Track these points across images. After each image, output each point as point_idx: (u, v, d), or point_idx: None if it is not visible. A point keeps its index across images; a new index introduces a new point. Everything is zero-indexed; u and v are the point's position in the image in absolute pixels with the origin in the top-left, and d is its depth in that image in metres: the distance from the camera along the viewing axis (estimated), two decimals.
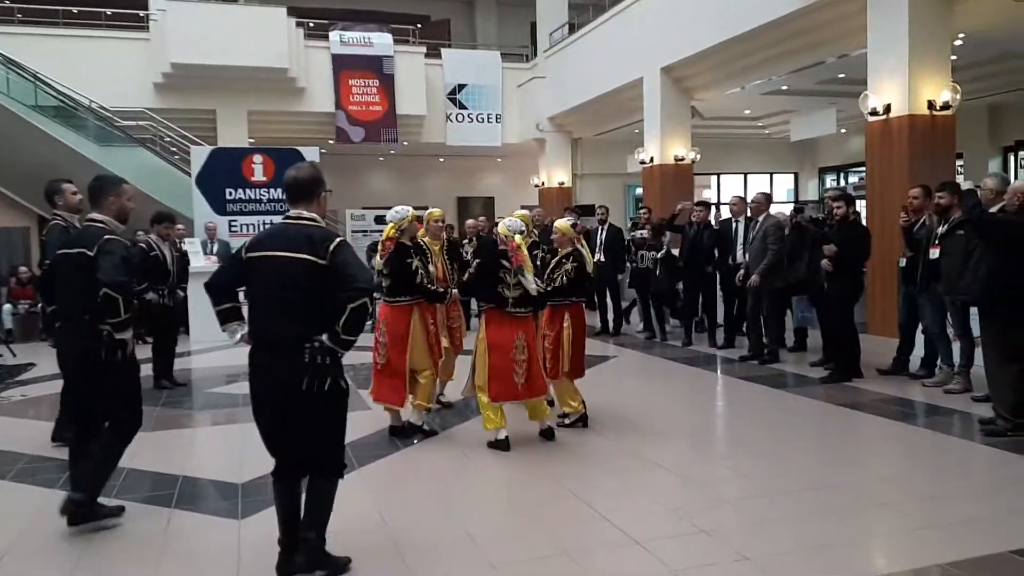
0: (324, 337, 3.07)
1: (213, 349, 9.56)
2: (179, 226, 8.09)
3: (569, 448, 5.18)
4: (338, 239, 3.15)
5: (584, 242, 5.62)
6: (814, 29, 10.67)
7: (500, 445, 5.07)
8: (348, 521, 3.65)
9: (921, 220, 6.71)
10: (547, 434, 5.29)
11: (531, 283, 4.94)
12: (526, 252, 4.99)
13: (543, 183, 19.08)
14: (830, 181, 20.47)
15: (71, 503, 3.83)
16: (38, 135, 12.34)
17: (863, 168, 18.97)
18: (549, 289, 5.28)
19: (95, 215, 4.05)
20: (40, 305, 5.59)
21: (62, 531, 3.87)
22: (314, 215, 3.23)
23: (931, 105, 8.75)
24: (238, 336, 3.36)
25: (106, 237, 3.90)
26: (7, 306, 11.39)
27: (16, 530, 3.92)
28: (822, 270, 7.02)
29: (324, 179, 3.32)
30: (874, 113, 9.09)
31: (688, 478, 4.49)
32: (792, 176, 21.45)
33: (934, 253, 6.13)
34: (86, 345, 3.88)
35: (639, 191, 19.40)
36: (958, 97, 8.77)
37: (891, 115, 8.95)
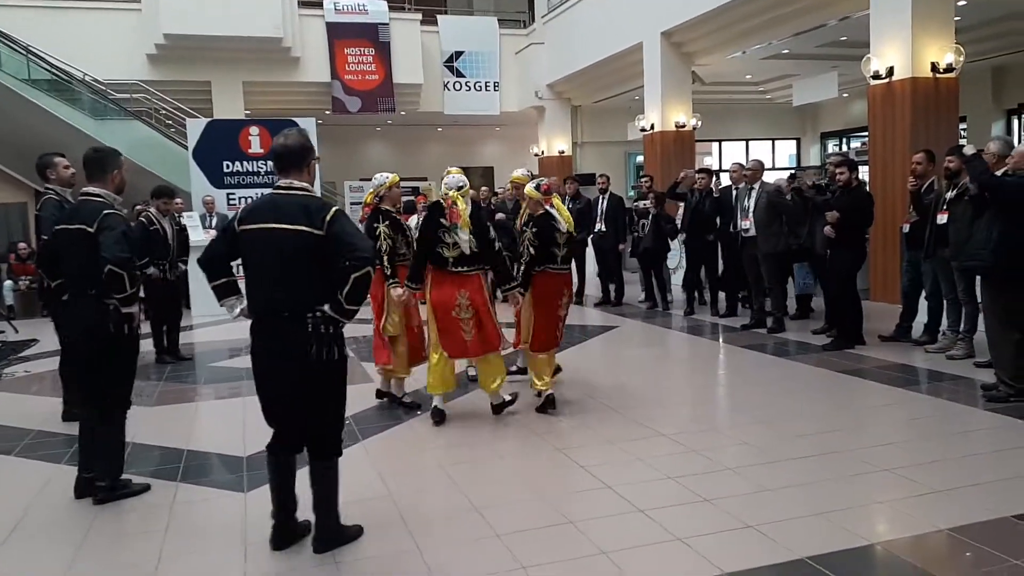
0: (326, 307, 3.06)
1: (215, 323, 9.59)
2: (178, 200, 8.04)
3: (570, 417, 5.20)
4: (334, 208, 3.12)
5: (555, 203, 5.35)
6: None
7: (434, 414, 5.12)
8: (353, 493, 3.66)
9: (928, 184, 6.67)
10: (547, 403, 5.26)
11: (464, 240, 4.88)
12: (462, 207, 4.86)
13: (543, 152, 18.95)
14: (832, 146, 20.34)
15: (98, 488, 3.90)
16: (32, 109, 12.21)
17: (865, 133, 18.91)
18: (521, 263, 5.31)
19: (92, 188, 4.00)
20: (42, 280, 5.55)
21: (69, 505, 3.92)
22: (305, 184, 3.18)
23: (934, 68, 8.66)
24: (237, 310, 3.35)
25: (105, 212, 3.87)
26: (8, 282, 11.37)
27: (24, 505, 3.94)
28: (824, 236, 7.01)
29: (313, 146, 3.27)
30: (876, 76, 8.99)
31: (690, 446, 4.50)
32: (794, 142, 21.30)
33: (942, 218, 6.09)
34: (93, 320, 3.89)
35: (640, 159, 19.30)
36: (962, 59, 8.67)
37: (893, 78, 8.85)
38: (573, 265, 10.05)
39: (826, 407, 5.33)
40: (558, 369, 5.88)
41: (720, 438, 4.71)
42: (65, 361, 5.41)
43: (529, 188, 5.33)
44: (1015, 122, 15.46)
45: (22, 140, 12.15)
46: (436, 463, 4.44)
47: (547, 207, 5.27)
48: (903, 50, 8.70)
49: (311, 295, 3.07)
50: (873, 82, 9.06)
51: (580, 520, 3.50)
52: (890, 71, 8.84)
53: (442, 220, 4.88)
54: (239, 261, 3.29)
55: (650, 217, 9.28)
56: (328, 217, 3.04)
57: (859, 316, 7.00)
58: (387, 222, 5.28)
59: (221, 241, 3.33)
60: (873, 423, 4.98)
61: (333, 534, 3.28)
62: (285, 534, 3.28)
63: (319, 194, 3.25)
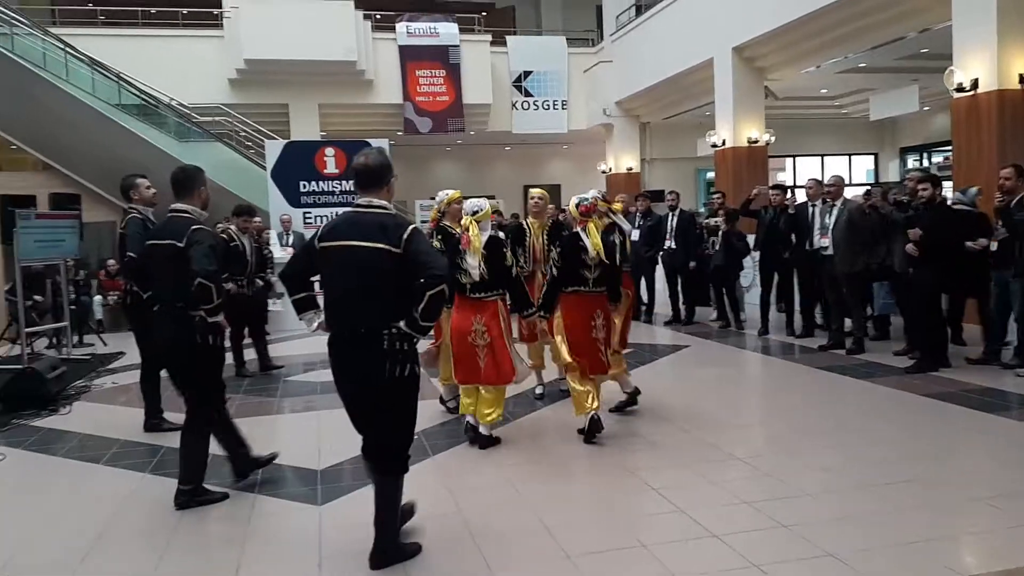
0: (402, 323, 3.11)
1: (291, 337, 9.85)
2: (257, 219, 8.32)
3: (642, 438, 5.13)
4: (411, 227, 3.17)
5: (590, 227, 5.02)
6: (894, 3, 10.24)
7: (466, 429, 5.10)
8: (422, 508, 3.70)
9: (1017, 200, 6.38)
10: (592, 428, 4.96)
11: (472, 267, 4.82)
12: (474, 234, 4.78)
13: (610, 169, 18.90)
14: (912, 161, 19.68)
15: (179, 493, 4.09)
16: (122, 133, 12.87)
17: (948, 147, 18.30)
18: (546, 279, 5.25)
19: (180, 205, 4.19)
20: (125, 295, 5.81)
21: (154, 513, 4.06)
22: (384, 202, 3.25)
23: (1022, 79, 8.29)
24: (315, 325, 3.43)
25: (194, 227, 4.05)
26: (97, 297, 11.90)
27: (110, 512, 4.10)
28: (904, 255, 6.76)
29: (392, 165, 3.35)
30: (960, 89, 8.68)
31: (766, 471, 4.38)
32: (872, 157, 20.69)
33: None
34: (180, 332, 4.06)
35: (710, 175, 19.05)
36: None
37: (978, 91, 8.52)
38: (643, 283, 10.13)
39: (910, 432, 5.12)
40: (636, 392, 5.80)
41: (797, 462, 4.57)
42: (146, 374, 5.65)
43: (571, 203, 5.12)
44: None
45: (112, 162, 12.75)
46: (505, 480, 4.43)
47: (579, 228, 5.06)
48: (988, 62, 8.38)
49: (388, 312, 3.12)
50: (957, 95, 8.75)
51: (653, 544, 3.44)
52: (975, 83, 8.52)
53: (459, 246, 4.89)
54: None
55: (720, 234, 9.12)
56: (406, 235, 3.10)
57: (943, 338, 6.72)
58: (440, 236, 5.38)
59: (302, 257, 3.44)
60: (960, 450, 4.76)
61: (390, 550, 3.30)
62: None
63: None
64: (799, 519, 3.65)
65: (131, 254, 5.22)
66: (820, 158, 20.47)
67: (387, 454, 3.25)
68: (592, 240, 4.99)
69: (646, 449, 4.91)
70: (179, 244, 4.01)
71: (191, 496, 4.10)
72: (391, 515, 3.29)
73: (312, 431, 5.63)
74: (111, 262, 12.34)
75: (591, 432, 4.97)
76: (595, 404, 4.96)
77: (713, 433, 5.16)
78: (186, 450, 4.15)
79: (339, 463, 4.77)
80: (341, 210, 11.92)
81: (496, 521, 3.81)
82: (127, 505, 4.22)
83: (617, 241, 5.36)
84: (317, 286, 3.40)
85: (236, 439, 4.45)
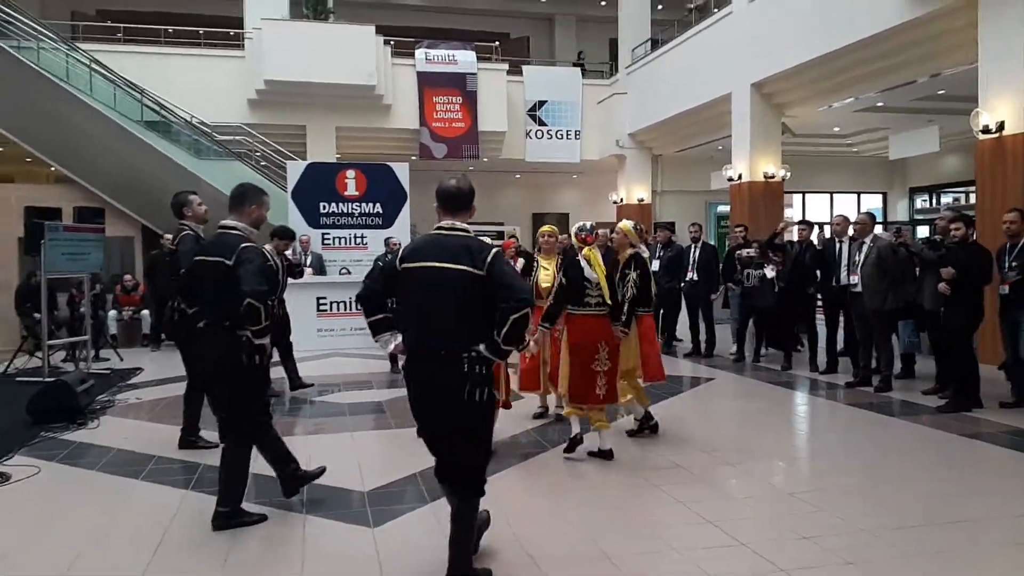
0: (481, 347, 3.10)
1: (305, 359, 9.73)
2: (305, 237, 8.30)
3: (688, 470, 5.09)
4: (495, 250, 3.18)
5: (590, 255, 5.20)
6: (915, 45, 10.39)
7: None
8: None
9: (1020, 244, 6.46)
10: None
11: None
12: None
13: (622, 199, 19.00)
14: (920, 202, 19.85)
15: (217, 514, 4.03)
16: (143, 149, 12.91)
17: (958, 188, 18.51)
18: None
19: (230, 222, 4.16)
20: (172, 312, 5.77)
21: (205, 529, 4.01)
22: (466, 226, 3.28)
23: None
24: (391, 347, 3.40)
25: (244, 246, 4.00)
26: (112, 312, 11.86)
27: (161, 527, 4.05)
28: (935, 293, 6.80)
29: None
30: (986, 131, 8.78)
31: (820, 506, 4.35)
32: (881, 196, 20.84)
33: None
34: (226, 351, 4.00)
35: (721, 208, 19.19)
36: None
37: (1004, 133, 8.62)
38: (660, 314, 10.11)
39: (955, 471, 5.10)
40: (654, 427, 5.82)
41: (850, 498, 4.53)
42: (191, 389, 5.60)
43: (574, 229, 5.34)
44: None
45: (132, 177, 12.82)
46: (557, 507, 4.39)
47: (579, 255, 5.23)
48: (1015, 104, 8.49)
49: (469, 335, 3.11)
50: (982, 136, 8.85)
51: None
52: (1000, 125, 8.63)
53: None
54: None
55: (765, 271, 8.93)
56: (489, 258, 3.11)
57: (976, 377, 6.72)
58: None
59: (380, 279, 3.42)
60: (1005, 491, 4.74)
61: (464, 574, 3.26)
62: None
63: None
64: (862, 556, 3.62)
65: (184, 271, 5.19)
66: (830, 195, 20.62)
67: (465, 476, 3.23)
68: (596, 270, 5.16)
69: (692, 480, 4.88)
70: (228, 262, 3.95)
71: (229, 518, 4.03)
72: (467, 537, 3.26)
73: (349, 452, 5.59)
74: (127, 277, 12.34)
75: (569, 447, 5.29)
76: (600, 425, 5.26)
77: (760, 467, 5.15)
78: (225, 471, 4.08)
79: (385, 485, 4.74)
80: (359, 231, 12.21)
81: (556, 548, 3.76)
82: (176, 522, 4.16)
83: (633, 276, 5.46)
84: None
85: (285, 456, 4.40)
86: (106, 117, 12.86)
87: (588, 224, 5.29)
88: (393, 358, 8.98)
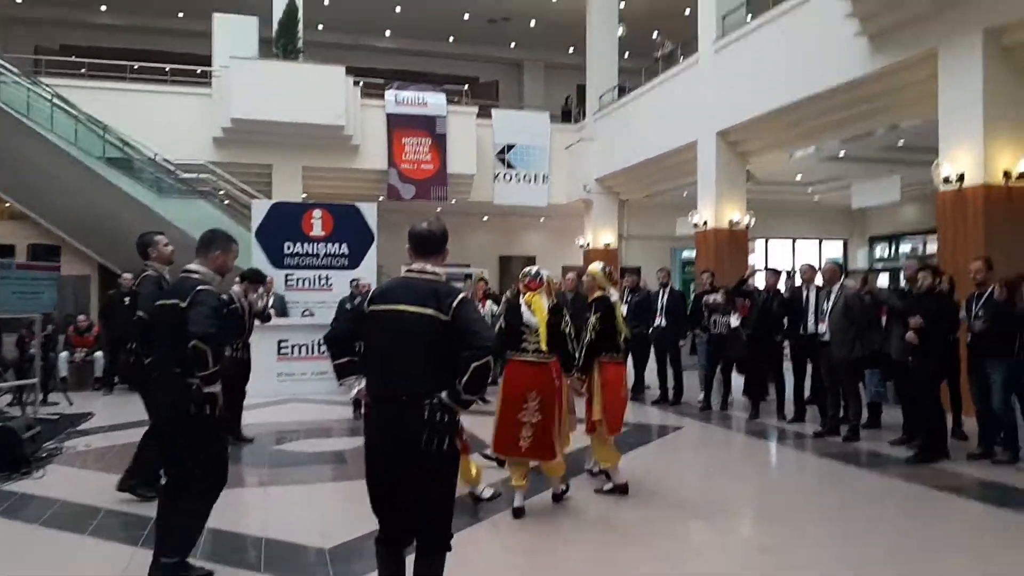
0: (443, 394, 2.97)
1: (263, 404, 9.39)
2: (269, 279, 8.10)
3: (664, 524, 4.96)
4: (461, 295, 3.08)
5: (532, 301, 5.05)
6: (878, 96, 10.64)
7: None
8: None
9: (987, 293, 6.55)
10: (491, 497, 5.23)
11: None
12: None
13: (588, 243, 19.07)
14: (880, 250, 20.23)
15: (162, 569, 3.74)
16: (104, 186, 12.65)
17: (916, 237, 18.91)
18: None
19: (193, 266, 4.02)
20: (134, 356, 5.50)
21: None
22: (437, 269, 3.19)
23: (1007, 175, 8.61)
24: (355, 391, 3.27)
25: (199, 288, 3.86)
26: (64, 353, 11.45)
27: None
28: (902, 343, 6.83)
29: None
30: (947, 181, 8.96)
31: (793, 563, 4.25)
32: (841, 243, 21.21)
33: None
34: (175, 399, 3.83)
35: (686, 254, 19.34)
36: None
37: (964, 184, 8.81)
38: (630, 361, 10.02)
39: (923, 525, 5.04)
40: (624, 488, 5.58)
41: (822, 552, 4.45)
42: (148, 438, 5.34)
43: (522, 273, 5.25)
44: None
45: (90, 214, 12.53)
46: (522, 565, 4.23)
47: (521, 299, 5.11)
48: (975, 156, 8.68)
49: (431, 381, 3.00)
50: (943, 187, 9.02)
51: None
52: (961, 177, 8.81)
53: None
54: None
55: (733, 319, 8.96)
56: (455, 303, 3.01)
57: (943, 427, 6.73)
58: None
59: (348, 322, 3.32)
60: (979, 547, 4.68)
61: None
62: None
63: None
64: None
65: (140, 314, 4.97)
66: (792, 241, 20.93)
67: (427, 531, 3.07)
68: (537, 315, 4.99)
69: (669, 536, 4.75)
70: (182, 304, 3.81)
71: (175, 570, 3.76)
72: None
73: (308, 505, 5.38)
74: (81, 317, 11.94)
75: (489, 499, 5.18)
76: (515, 482, 5.08)
77: (736, 523, 5.05)
78: (178, 516, 3.81)
79: (347, 542, 4.52)
80: (324, 272, 12.01)
81: None
82: None
83: (592, 320, 5.37)
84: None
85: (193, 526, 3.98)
86: (66, 153, 12.58)
87: (533, 270, 5.20)
88: (356, 404, 8.76)
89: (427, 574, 3.08)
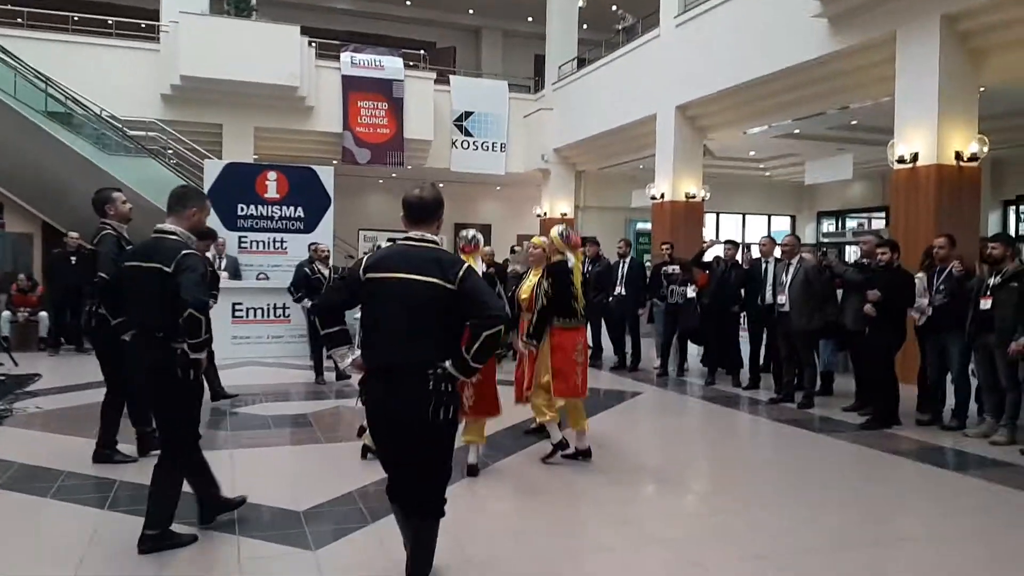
0: (447, 364, 2.95)
1: (219, 367, 9.21)
2: (221, 240, 7.91)
3: (627, 488, 5.06)
4: (466, 264, 3.04)
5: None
6: (835, 76, 10.82)
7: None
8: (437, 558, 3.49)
9: (948, 269, 6.79)
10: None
11: None
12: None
13: (545, 213, 19.09)
14: (828, 225, 20.75)
15: (145, 537, 3.73)
16: (47, 141, 12.08)
17: (862, 214, 19.45)
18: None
19: (168, 226, 3.89)
20: (89, 314, 5.34)
21: (127, 555, 3.68)
22: (435, 237, 3.14)
23: (958, 156, 8.88)
24: (348, 361, 3.20)
25: (184, 252, 3.75)
26: (6, 313, 11.04)
27: (77, 553, 3.70)
28: (857, 314, 7.06)
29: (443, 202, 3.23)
30: (901, 161, 9.20)
31: (757, 522, 4.39)
32: (790, 219, 21.67)
33: (985, 304, 6.15)
34: (160, 362, 3.75)
35: (640, 225, 19.53)
36: (986, 149, 8.92)
37: (918, 164, 9.07)
38: (589, 329, 10.13)
39: (881, 488, 5.25)
40: (561, 446, 5.56)
41: (797, 519, 4.60)
42: (110, 401, 5.21)
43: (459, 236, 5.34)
44: (1011, 212, 15.93)
45: (33, 171, 12.00)
46: (509, 528, 4.27)
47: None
48: (928, 138, 8.94)
49: (435, 350, 2.96)
50: (897, 166, 9.27)
51: None
52: (915, 157, 9.06)
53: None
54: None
55: (689, 290, 9.14)
56: (461, 272, 2.96)
57: (896, 397, 6.99)
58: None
59: (342, 290, 3.23)
60: (941, 510, 4.89)
61: None
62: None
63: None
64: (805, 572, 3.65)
65: (102, 274, 4.80)
66: (742, 216, 21.31)
67: (426, 497, 3.07)
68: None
69: (635, 499, 4.85)
70: (167, 268, 3.68)
71: (157, 540, 3.73)
72: (429, 559, 3.10)
73: (279, 468, 5.32)
74: (22, 276, 11.51)
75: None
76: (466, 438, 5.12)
77: (702, 486, 5.16)
78: (157, 491, 3.77)
79: (320, 504, 4.49)
80: (278, 235, 11.78)
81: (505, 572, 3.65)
82: (95, 547, 3.81)
83: (544, 285, 5.36)
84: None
85: (208, 479, 4.12)
86: (6, 106, 11.95)
87: (470, 234, 5.23)
88: (319, 369, 8.68)
89: (421, 537, 3.10)
